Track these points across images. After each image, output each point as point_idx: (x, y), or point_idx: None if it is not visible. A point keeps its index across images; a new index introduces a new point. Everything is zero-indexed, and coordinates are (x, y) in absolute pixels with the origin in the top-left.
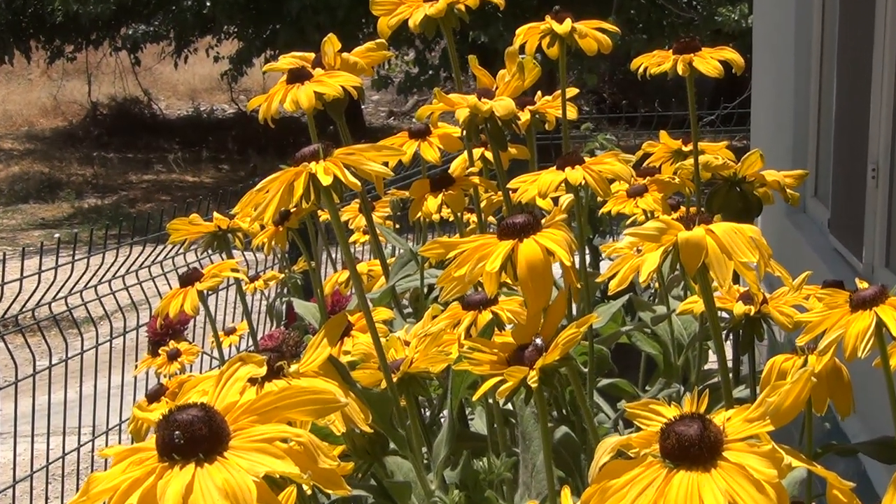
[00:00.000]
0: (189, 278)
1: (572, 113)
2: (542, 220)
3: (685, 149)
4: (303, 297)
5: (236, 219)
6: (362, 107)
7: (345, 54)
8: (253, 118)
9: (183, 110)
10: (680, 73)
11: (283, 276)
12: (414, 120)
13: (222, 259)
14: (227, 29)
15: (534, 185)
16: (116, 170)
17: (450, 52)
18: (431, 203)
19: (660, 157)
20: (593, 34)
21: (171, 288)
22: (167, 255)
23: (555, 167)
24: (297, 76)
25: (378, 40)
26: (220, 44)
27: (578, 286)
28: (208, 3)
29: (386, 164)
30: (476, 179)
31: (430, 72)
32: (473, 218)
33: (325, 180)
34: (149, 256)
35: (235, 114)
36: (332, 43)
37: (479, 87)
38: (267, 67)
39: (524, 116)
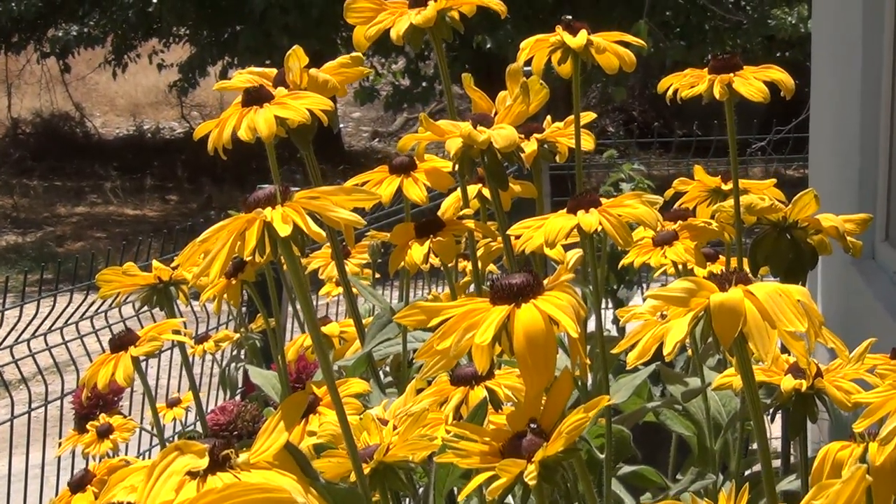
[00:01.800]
0: (122, 342)
1: (588, 143)
2: (546, 280)
3: (725, 187)
4: (262, 361)
5: (181, 269)
6: (341, 126)
7: (313, 71)
8: (208, 137)
9: (122, 129)
10: (717, 96)
11: (238, 336)
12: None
13: (164, 315)
14: (176, 31)
15: (540, 232)
16: (41, 200)
17: (441, 69)
18: (416, 252)
19: (694, 197)
20: (613, 49)
21: (103, 347)
22: (99, 308)
23: (565, 210)
24: (255, 97)
25: (354, 54)
26: (168, 49)
27: (588, 362)
28: (154, 1)
29: (361, 210)
30: (471, 224)
31: (424, 84)
32: (470, 265)
33: (283, 230)
34: (78, 307)
35: (186, 134)
36: (297, 57)
37: (475, 112)
38: (218, 86)
39: (530, 147)
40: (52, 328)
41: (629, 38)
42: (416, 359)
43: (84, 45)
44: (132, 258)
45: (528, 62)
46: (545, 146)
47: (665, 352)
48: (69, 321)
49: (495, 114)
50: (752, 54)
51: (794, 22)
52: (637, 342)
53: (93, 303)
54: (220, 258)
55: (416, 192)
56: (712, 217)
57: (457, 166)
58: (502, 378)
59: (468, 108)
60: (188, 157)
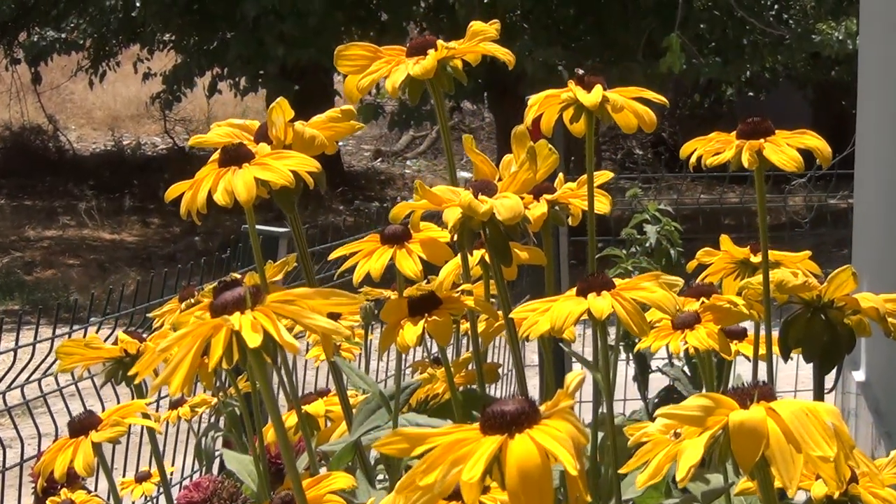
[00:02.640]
0: (82, 426)
1: (604, 206)
2: (543, 406)
3: (754, 259)
4: (241, 431)
5: (149, 341)
6: (340, 143)
7: (299, 125)
8: (194, 156)
9: (100, 144)
10: (746, 164)
11: (216, 401)
12: (391, 215)
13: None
14: (160, 37)
15: (546, 317)
16: (8, 222)
17: (440, 125)
18: (409, 332)
19: (720, 269)
20: (632, 107)
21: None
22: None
23: (574, 291)
24: (234, 156)
25: (345, 107)
26: (152, 57)
27: (588, 499)
28: (138, 4)
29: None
30: (471, 301)
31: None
32: (466, 326)
33: (253, 341)
34: (45, 357)
35: (170, 150)
36: (281, 110)
37: (476, 179)
38: (194, 141)
39: (539, 209)
40: (12, 386)
41: (649, 94)
42: (397, 493)
43: (62, 52)
44: (107, 289)
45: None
46: (556, 208)
47: (678, 477)
48: (31, 377)
49: (499, 180)
50: (794, 72)
51: (840, 38)
52: (647, 462)
53: (66, 334)
54: (182, 368)
55: (410, 265)
56: (739, 293)
57: (455, 237)
58: (498, 493)
59: (481, 125)
60: (172, 176)
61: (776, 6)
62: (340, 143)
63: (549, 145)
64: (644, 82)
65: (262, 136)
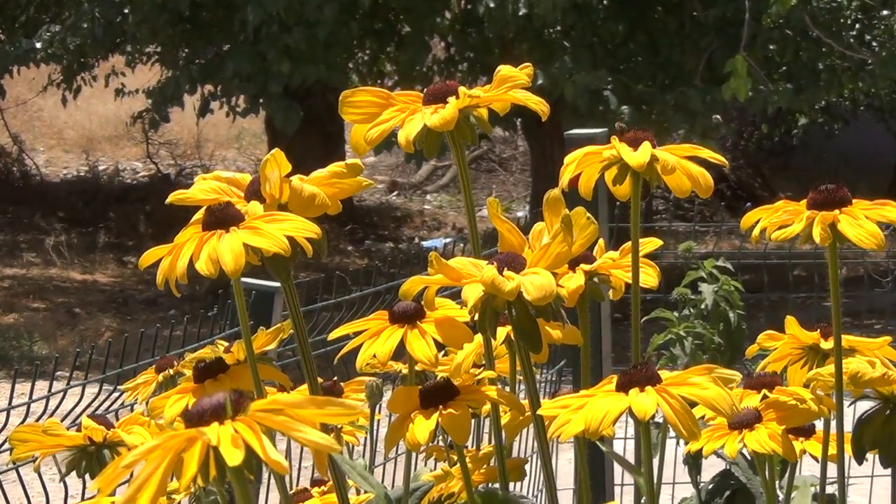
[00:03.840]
0: None
1: (651, 279)
2: None
3: (824, 345)
4: None
5: (117, 429)
6: None
7: (296, 181)
8: (181, 185)
9: (72, 168)
10: (818, 240)
11: (196, 489)
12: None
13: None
14: (143, 48)
15: (580, 416)
16: None
17: (462, 183)
18: (420, 428)
19: (785, 356)
20: (685, 168)
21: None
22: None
23: (614, 386)
24: (220, 218)
25: (351, 160)
26: (133, 70)
27: None
28: (126, 11)
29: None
30: (493, 392)
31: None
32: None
33: (233, 458)
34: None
35: (153, 178)
36: (276, 164)
37: (502, 251)
38: (174, 198)
39: (575, 281)
40: None
41: (705, 152)
42: None
43: (30, 63)
44: (78, 338)
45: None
46: (595, 280)
47: None
48: None
49: (528, 250)
50: (877, 101)
51: None
52: None
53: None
54: (150, 486)
55: (422, 349)
56: (807, 385)
57: (475, 318)
58: None
59: (514, 155)
60: (154, 207)
61: (857, 26)
62: None
63: (588, 214)
64: (703, 110)
65: (253, 192)
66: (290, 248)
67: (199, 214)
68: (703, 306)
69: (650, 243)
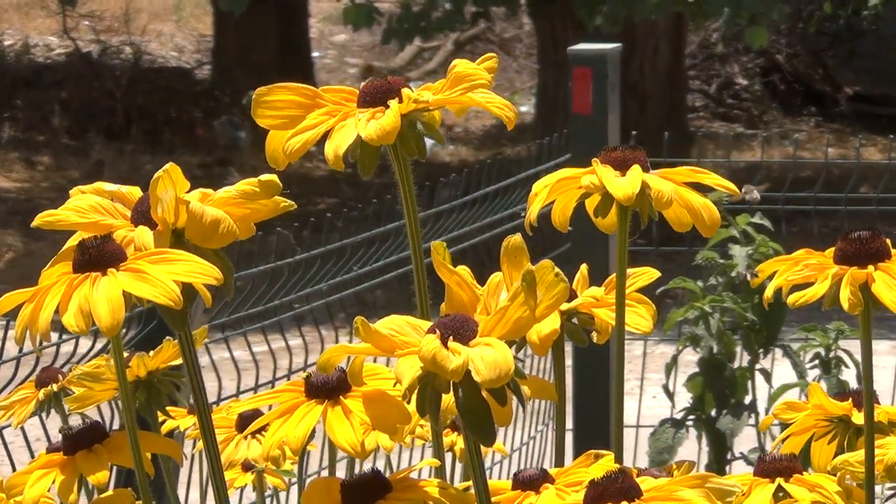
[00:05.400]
0: None
1: (645, 324)
2: None
3: (856, 418)
4: None
5: None
6: (315, 55)
7: (196, 204)
8: (105, 66)
9: None
10: (845, 306)
11: None
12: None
13: None
14: None
15: None
16: None
17: (405, 209)
18: None
19: (808, 428)
20: (684, 199)
21: None
22: None
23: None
24: (94, 257)
25: (266, 176)
26: None
27: None
28: None
29: None
30: (434, 488)
31: (448, 4)
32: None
33: None
34: None
35: (71, 57)
36: (171, 181)
37: (447, 312)
38: (39, 220)
39: (548, 326)
40: None
41: (710, 178)
42: None
43: None
44: None
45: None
46: (574, 321)
47: None
48: None
49: (479, 311)
50: None
51: None
52: None
53: None
54: None
55: (346, 433)
56: (832, 472)
57: (410, 399)
58: None
59: (517, 36)
60: (72, 94)
61: None
62: (315, 55)
63: (556, 269)
64: None
65: (142, 215)
66: (182, 299)
67: (73, 240)
68: (733, 274)
69: (643, 276)
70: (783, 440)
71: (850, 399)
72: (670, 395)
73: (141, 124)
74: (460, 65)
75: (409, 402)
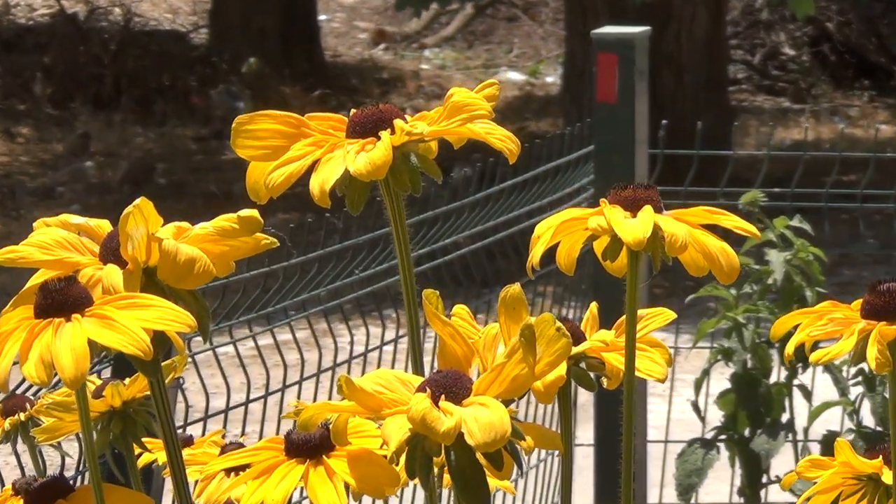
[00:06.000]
0: None
1: (658, 371)
2: None
3: (886, 476)
4: None
5: None
6: (323, 18)
7: (169, 242)
8: (92, 29)
9: None
10: (872, 365)
11: None
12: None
13: None
14: None
15: None
16: None
17: (400, 263)
18: None
19: (835, 486)
20: (700, 243)
21: None
22: None
23: None
24: (57, 301)
25: (246, 212)
26: None
27: None
28: None
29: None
30: None
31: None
32: None
33: None
34: None
35: (55, 19)
36: (141, 216)
37: (440, 369)
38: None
39: (554, 372)
40: None
41: (730, 220)
42: None
43: None
44: None
45: None
46: (580, 366)
47: None
48: None
49: (474, 369)
50: None
51: None
52: None
53: None
54: None
55: (329, 496)
56: None
57: (398, 461)
58: None
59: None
60: (56, 59)
61: None
62: (322, 18)
63: (557, 323)
64: None
65: (111, 251)
66: (152, 349)
67: (35, 279)
68: (770, 281)
69: (659, 318)
70: (807, 499)
71: (881, 456)
72: (699, 413)
73: (131, 93)
74: (458, 93)
75: (397, 465)
